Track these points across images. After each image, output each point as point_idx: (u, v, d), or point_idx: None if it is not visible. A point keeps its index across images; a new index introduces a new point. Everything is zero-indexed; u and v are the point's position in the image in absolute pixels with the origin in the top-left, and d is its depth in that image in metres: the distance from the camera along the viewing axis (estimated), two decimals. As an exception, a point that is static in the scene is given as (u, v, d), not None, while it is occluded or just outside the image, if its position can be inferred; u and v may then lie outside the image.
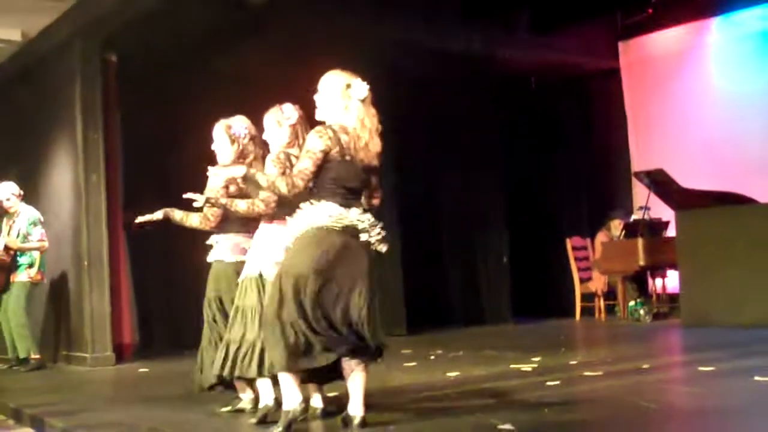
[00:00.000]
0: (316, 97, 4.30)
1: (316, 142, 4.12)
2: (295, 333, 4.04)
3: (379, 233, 4.21)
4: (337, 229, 4.11)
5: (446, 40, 10.11)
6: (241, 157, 4.97)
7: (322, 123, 4.26)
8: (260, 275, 4.66)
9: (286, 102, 4.82)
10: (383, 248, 4.24)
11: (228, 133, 5.01)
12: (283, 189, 4.11)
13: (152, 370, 7.71)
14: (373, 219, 4.23)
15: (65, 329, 8.71)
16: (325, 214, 4.11)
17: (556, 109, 12.13)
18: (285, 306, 4.06)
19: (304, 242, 4.14)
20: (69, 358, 8.52)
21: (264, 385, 4.65)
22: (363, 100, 4.21)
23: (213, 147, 5.08)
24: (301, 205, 4.19)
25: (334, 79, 4.24)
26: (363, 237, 4.17)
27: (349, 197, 4.18)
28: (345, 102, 4.21)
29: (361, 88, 4.22)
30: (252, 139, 5.00)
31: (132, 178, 9.08)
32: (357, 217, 4.15)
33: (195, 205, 4.75)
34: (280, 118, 4.72)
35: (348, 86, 4.21)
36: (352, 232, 4.15)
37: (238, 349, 4.66)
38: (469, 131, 11.10)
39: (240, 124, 5.05)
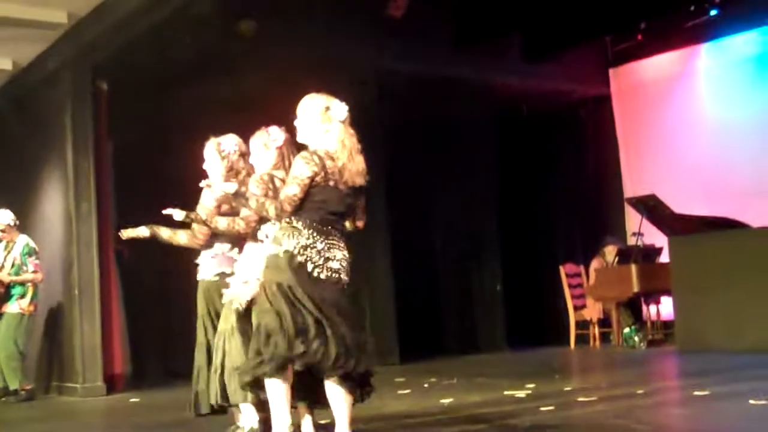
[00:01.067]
0: (296, 122, 4.28)
1: (303, 168, 4.11)
2: (280, 337, 4.01)
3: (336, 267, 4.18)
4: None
5: (438, 68, 10.15)
6: (231, 173, 4.95)
7: (306, 146, 4.25)
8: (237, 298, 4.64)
9: (275, 126, 4.82)
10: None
11: (218, 150, 5.00)
12: (272, 213, 4.11)
13: (143, 400, 7.64)
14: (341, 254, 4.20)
15: (56, 359, 8.65)
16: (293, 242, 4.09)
17: (548, 136, 12.16)
18: (270, 312, 4.04)
19: (277, 260, 4.13)
20: (60, 388, 8.45)
21: (247, 408, 4.60)
22: (343, 121, 4.20)
23: (204, 166, 5.07)
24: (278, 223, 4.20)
25: (313, 102, 4.24)
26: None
27: (330, 218, 4.16)
28: (325, 125, 4.20)
29: (340, 109, 4.21)
30: (242, 156, 4.97)
31: (123, 206, 9.04)
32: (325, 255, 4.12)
33: (175, 218, 4.70)
34: (267, 140, 4.71)
35: (327, 108, 4.21)
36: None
37: (222, 375, 4.63)
38: (462, 158, 11.11)
39: (230, 141, 5.04)
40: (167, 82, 8.71)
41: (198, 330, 5.04)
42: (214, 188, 4.60)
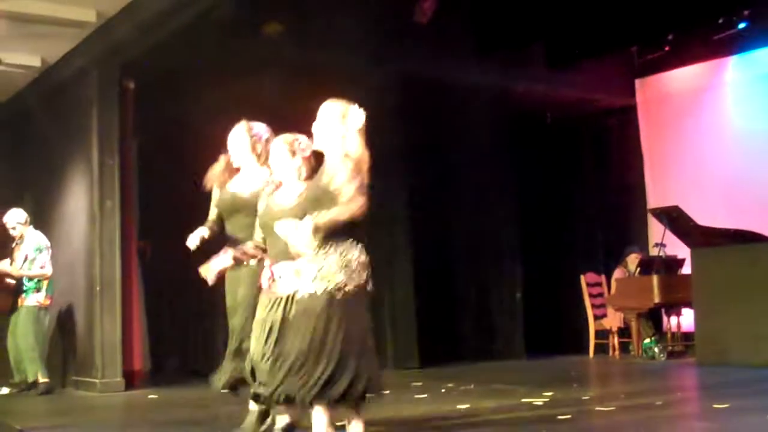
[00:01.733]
0: (314, 126, 4.28)
1: (351, 165, 4.12)
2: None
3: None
4: None
5: (462, 75, 10.14)
6: (260, 159, 4.83)
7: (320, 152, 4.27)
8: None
9: (297, 130, 4.78)
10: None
11: (249, 134, 4.87)
12: (362, 210, 4.09)
13: (162, 397, 7.67)
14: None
15: (75, 354, 8.70)
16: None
17: (571, 145, 12.14)
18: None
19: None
20: (78, 383, 8.50)
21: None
22: (360, 129, 4.21)
23: (229, 148, 4.92)
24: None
25: (332, 107, 4.24)
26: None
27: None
28: (343, 130, 4.20)
29: (358, 116, 4.22)
30: (267, 141, 4.85)
31: (147, 205, 9.12)
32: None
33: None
34: (296, 147, 4.59)
35: (345, 114, 4.21)
36: None
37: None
38: (484, 166, 11.09)
39: (261, 126, 4.90)
40: (193, 83, 8.77)
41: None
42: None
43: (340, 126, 4.20)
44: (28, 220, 8.58)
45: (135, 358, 8.62)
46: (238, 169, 4.98)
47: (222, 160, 5.02)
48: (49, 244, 8.51)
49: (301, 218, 4.13)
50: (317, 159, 4.42)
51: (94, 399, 7.84)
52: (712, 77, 11.00)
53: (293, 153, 4.57)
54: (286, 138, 4.64)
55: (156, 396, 7.73)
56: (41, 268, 8.39)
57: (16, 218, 8.50)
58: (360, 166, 4.11)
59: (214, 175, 5.05)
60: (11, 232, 8.51)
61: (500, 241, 11.15)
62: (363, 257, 4.13)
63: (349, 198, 4.04)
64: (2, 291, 8.40)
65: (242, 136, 4.91)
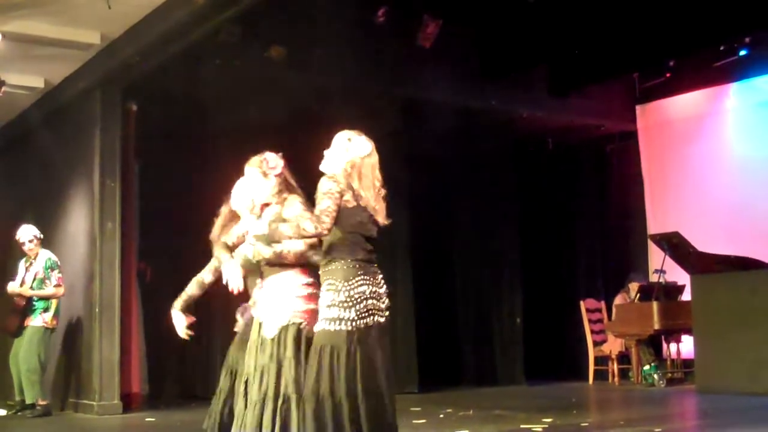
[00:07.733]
0: (325, 151, 4.27)
1: (331, 185, 4.07)
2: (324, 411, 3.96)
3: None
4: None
5: (464, 100, 10.17)
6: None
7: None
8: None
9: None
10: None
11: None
12: (310, 228, 3.99)
13: (159, 420, 7.65)
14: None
15: (74, 376, 8.67)
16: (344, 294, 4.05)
17: (573, 170, 12.16)
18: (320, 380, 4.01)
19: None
20: (76, 405, 8.46)
21: None
22: (364, 157, 4.20)
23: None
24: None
25: (341, 135, 4.24)
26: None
27: (369, 249, 4.13)
28: (348, 157, 4.19)
29: (362, 144, 4.22)
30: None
31: (147, 227, 9.12)
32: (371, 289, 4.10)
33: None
34: (266, 168, 4.46)
35: (349, 140, 4.21)
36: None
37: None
38: (486, 190, 11.11)
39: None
40: (195, 105, 8.80)
41: None
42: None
43: (345, 153, 4.19)
44: (42, 237, 8.54)
45: (133, 381, 8.59)
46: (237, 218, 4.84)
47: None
48: (59, 261, 8.47)
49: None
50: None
51: (91, 421, 7.81)
52: (713, 104, 11.03)
53: (264, 174, 4.47)
54: (253, 161, 4.53)
55: (153, 419, 7.71)
56: (56, 287, 8.34)
57: (31, 232, 8.44)
58: (335, 189, 4.08)
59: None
60: (28, 245, 8.41)
61: (500, 267, 11.15)
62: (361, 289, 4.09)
63: (302, 217, 4.05)
64: (11, 312, 8.37)
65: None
